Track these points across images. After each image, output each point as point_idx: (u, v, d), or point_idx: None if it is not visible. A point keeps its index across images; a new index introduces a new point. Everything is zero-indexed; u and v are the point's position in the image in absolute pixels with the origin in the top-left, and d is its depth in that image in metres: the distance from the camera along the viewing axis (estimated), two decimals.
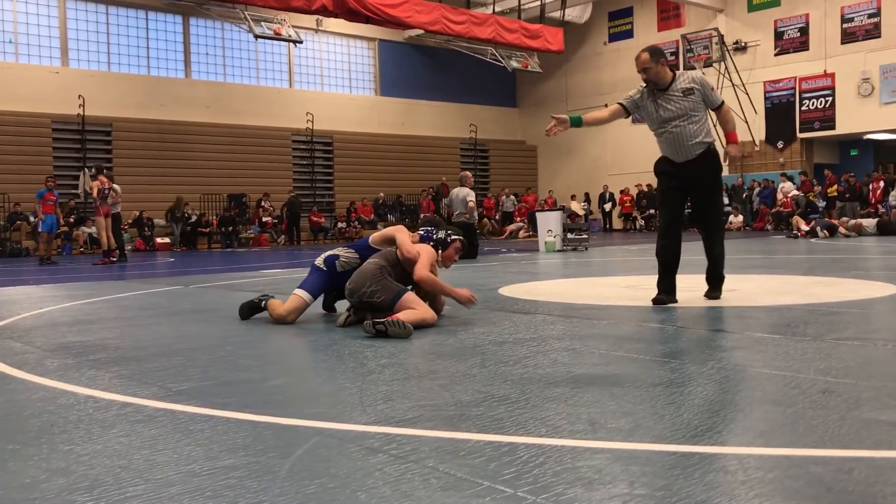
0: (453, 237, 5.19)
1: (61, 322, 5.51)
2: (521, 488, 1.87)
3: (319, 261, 5.26)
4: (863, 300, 5.48)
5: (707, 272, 5.66)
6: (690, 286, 5.81)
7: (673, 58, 28.28)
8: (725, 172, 29.71)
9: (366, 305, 4.77)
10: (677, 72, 5.46)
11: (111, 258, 14.65)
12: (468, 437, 2.32)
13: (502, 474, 1.97)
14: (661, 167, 5.54)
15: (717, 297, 5.53)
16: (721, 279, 5.63)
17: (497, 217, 28.35)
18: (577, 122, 5.51)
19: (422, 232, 5.22)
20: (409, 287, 4.89)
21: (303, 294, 5.13)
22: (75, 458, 2.24)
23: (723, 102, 5.49)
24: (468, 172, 14.05)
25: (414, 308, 4.59)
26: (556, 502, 1.77)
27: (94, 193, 14.69)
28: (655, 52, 5.42)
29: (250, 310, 5.34)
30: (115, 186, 15.32)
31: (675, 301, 5.44)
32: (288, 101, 26.58)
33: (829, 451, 2.09)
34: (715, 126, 5.85)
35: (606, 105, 29.01)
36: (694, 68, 26.37)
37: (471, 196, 12.98)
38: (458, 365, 3.46)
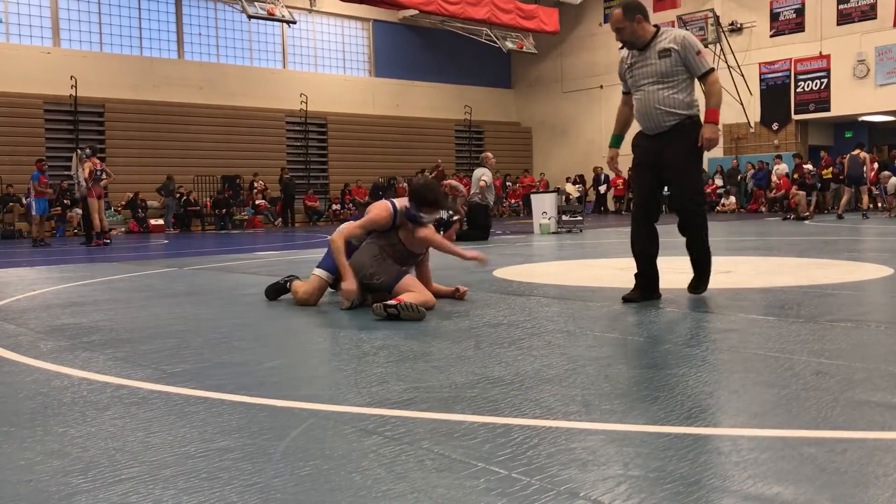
0: (424, 219, 4.91)
1: (55, 304, 5.50)
2: (515, 469, 1.87)
3: None
4: (856, 282, 5.49)
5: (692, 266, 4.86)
6: (683, 268, 5.82)
7: None
8: (719, 154, 29.70)
9: (366, 287, 4.77)
10: (662, 28, 4.71)
11: (104, 240, 14.62)
12: (463, 418, 2.33)
13: (497, 456, 1.98)
14: (636, 139, 4.82)
15: (699, 293, 4.78)
16: (704, 274, 4.79)
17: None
18: (617, 142, 4.99)
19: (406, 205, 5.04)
20: (409, 269, 4.87)
21: (321, 273, 5.05)
22: (70, 440, 2.24)
23: (710, 71, 4.60)
24: (489, 153, 14.06)
25: (413, 291, 4.56)
26: (551, 483, 1.78)
27: (86, 174, 14.62)
28: (630, 7, 4.65)
29: (276, 292, 5.36)
30: (106, 169, 15.27)
31: (652, 298, 4.74)
32: (281, 82, 26.44)
33: (822, 433, 2.10)
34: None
35: (602, 87, 28.88)
36: None
37: (486, 176, 12.97)
38: (453, 347, 3.46)
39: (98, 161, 14.96)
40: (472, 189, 13.21)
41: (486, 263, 5.04)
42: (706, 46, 25.76)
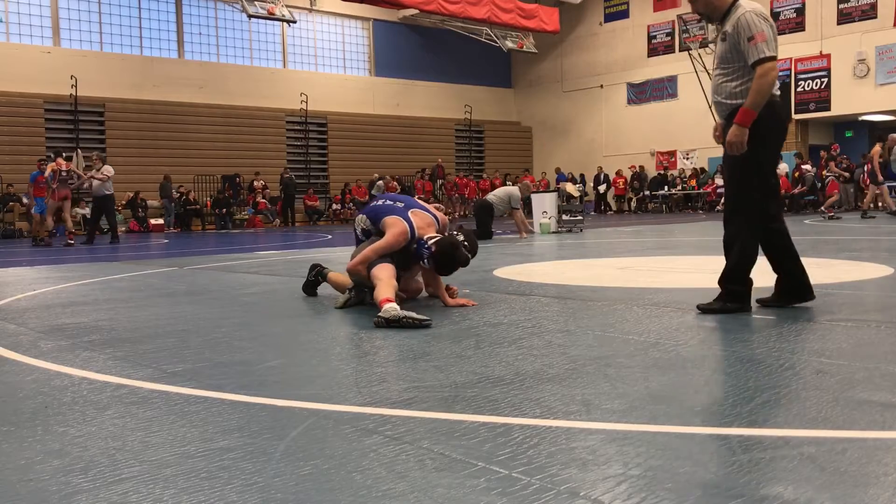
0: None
1: (55, 303, 5.50)
2: (515, 469, 1.87)
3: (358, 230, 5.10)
4: (856, 281, 5.49)
5: None
6: (686, 267, 5.82)
7: (668, 38, 28.19)
8: (720, 153, 29.92)
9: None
10: (739, 1, 4.09)
11: (70, 240, 14.71)
12: (463, 418, 2.33)
13: (497, 455, 1.98)
14: None
15: (712, 310, 4.15)
16: (727, 288, 4.15)
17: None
18: None
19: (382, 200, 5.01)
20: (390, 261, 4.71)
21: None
22: (70, 439, 2.24)
23: (761, 60, 3.91)
24: (530, 183, 14.45)
25: (379, 283, 4.41)
26: (551, 483, 1.78)
27: (47, 175, 14.74)
28: None
29: (312, 287, 5.47)
30: (73, 168, 15.38)
31: (795, 302, 4.19)
32: (282, 81, 26.46)
33: (822, 432, 2.10)
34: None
35: (602, 86, 28.81)
36: (690, 49, 26.27)
37: (516, 194, 13.24)
38: (453, 346, 3.46)
39: (64, 162, 14.96)
40: (499, 195, 13.52)
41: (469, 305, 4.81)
42: (706, 46, 25.65)
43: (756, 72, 3.92)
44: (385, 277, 4.44)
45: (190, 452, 2.08)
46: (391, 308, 4.04)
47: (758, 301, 4.30)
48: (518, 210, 13.17)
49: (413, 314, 4.02)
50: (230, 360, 3.35)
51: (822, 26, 24.29)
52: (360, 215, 5.11)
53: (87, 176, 15.33)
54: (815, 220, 16.17)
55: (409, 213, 4.81)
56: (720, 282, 4.19)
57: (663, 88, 28.32)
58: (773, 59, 3.95)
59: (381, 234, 4.78)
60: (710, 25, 25.27)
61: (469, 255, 4.76)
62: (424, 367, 3.05)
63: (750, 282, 4.16)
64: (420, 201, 5.06)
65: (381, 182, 24.18)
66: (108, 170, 15.06)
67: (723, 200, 4.34)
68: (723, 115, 4.15)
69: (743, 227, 4.08)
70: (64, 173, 14.81)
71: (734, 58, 4.04)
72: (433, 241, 4.65)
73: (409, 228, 4.69)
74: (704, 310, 4.17)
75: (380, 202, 5.09)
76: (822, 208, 17.32)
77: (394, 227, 4.69)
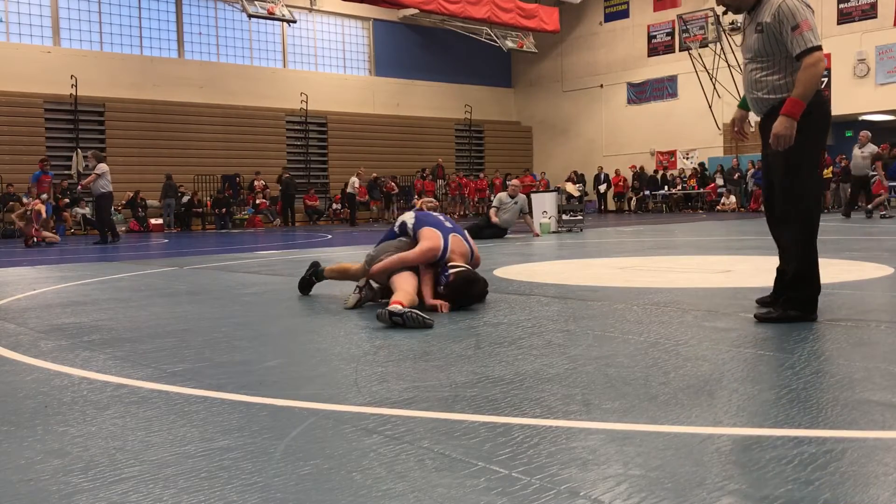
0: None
1: (55, 303, 5.50)
2: (515, 469, 1.87)
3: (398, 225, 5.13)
4: (856, 281, 5.49)
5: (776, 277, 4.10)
6: (684, 266, 5.81)
7: (668, 38, 28.18)
8: (719, 153, 29.48)
9: (368, 262, 4.86)
10: None
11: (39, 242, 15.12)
12: (463, 417, 2.33)
13: (497, 455, 1.98)
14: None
15: (771, 319, 3.83)
16: (790, 296, 3.85)
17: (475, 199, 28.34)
18: (745, 103, 4.16)
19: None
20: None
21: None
22: (70, 439, 2.24)
23: (807, 51, 3.66)
24: (517, 182, 15.01)
25: (397, 290, 4.43)
26: (551, 482, 1.78)
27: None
28: None
29: (307, 286, 5.54)
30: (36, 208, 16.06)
31: (773, 315, 3.85)
32: (282, 81, 26.46)
33: (822, 432, 2.10)
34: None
35: (602, 86, 28.59)
36: (690, 49, 26.26)
37: (497, 200, 13.62)
38: (453, 346, 3.46)
39: (30, 202, 15.97)
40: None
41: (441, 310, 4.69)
42: (706, 46, 25.61)
43: (803, 62, 3.66)
44: (408, 289, 4.45)
45: (190, 452, 2.08)
46: (398, 307, 4.05)
47: (757, 301, 4.31)
48: (493, 209, 13.46)
49: (418, 311, 4.04)
50: (230, 360, 3.35)
51: (822, 26, 24.26)
52: (409, 213, 5.12)
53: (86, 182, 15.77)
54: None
55: (450, 235, 4.81)
56: (784, 290, 3.91)
57: (663, 88, 28.32)
58: (820, 48, 3.70)
59: (411, 239, 4.85)
60: (710, 24, 25.42)
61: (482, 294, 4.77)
62: (424, 367, 3.05)
63: (818, 287, 3.88)
64: (466, 233, 5.03)
65: (354, 179, 24.10)
66: (100, 167, 14.99)
67: (763, 200, 4.14)
68: (762, 111, 3.90)
69: (800, 229, 3.83)
70: (29, 212, 15.83)
71: (774, 50, 3.76)
72: (454, 270, 4.63)
73: (443, 247, 4.71)
74: (763, 319, 3.84)
75: (435, 215, 5.11)
76: (870, 207, 17.10)
77: (429, 240, 4.71)
